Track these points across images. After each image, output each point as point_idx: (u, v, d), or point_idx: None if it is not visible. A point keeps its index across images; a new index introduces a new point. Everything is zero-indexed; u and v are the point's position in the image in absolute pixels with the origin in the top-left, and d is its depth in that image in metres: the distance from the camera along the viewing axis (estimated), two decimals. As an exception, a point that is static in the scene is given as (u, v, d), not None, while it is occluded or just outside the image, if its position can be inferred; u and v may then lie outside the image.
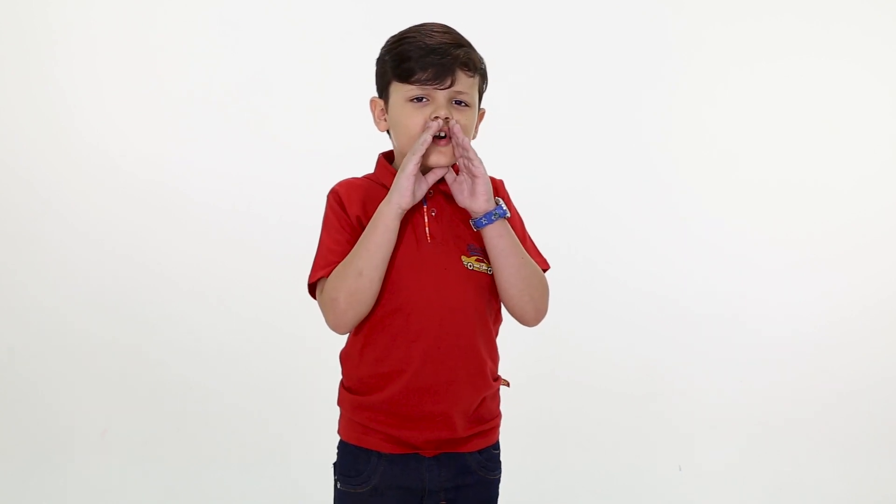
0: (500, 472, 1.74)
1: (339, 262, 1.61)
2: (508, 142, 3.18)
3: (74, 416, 3.17)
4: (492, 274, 1.67)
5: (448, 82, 1.60)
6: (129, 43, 3.23)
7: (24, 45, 3.21)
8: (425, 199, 1.65)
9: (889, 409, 3.27)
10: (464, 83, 1.62)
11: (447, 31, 1.65)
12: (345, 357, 1.72)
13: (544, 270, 1.75)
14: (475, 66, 1.65)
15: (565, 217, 3.22)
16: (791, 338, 3.29)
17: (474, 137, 1.70)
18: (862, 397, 3.27)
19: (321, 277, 1.63)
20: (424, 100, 1.62)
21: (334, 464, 1.72)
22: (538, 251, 1.77)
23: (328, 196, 1.69)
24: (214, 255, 3.24)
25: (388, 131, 1.72)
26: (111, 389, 3.19)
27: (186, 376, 3.21)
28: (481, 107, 1.71)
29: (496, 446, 1.74)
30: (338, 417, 1.73)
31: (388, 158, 1.73)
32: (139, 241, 3.23)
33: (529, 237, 1.77)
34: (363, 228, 1.61)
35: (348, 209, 1.65)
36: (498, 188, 1.73)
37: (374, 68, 1.72)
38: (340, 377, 1.73)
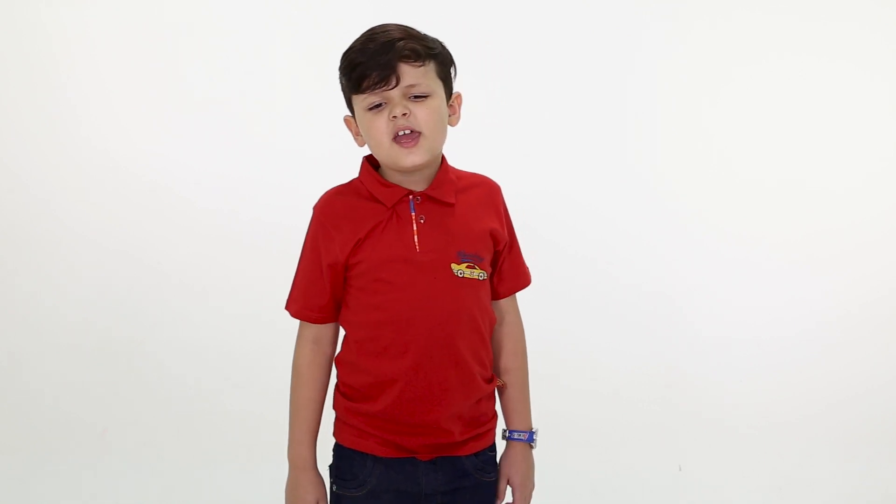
0: (496, 475, 1.74)
1: (309, 304, 1.68)
2: (506, 142, 3.18)
3: (74, 416, 3.17)
4: (484, 280, 1.67)
5: (393, 81, 1.56)
6: (129, 45, 3.23)
7: (26, 48, 3.22)
8: (413, 206, 1.63)
9: (889, 410, 3.26)
10: (412, 75, 1.56)
11: (389, 28, 1.60)
12: (340, 363, 1.71)
13: (526, 286, 1.78)
14: (421, 55, 1.57)
15: (565, 218, 3.22)
16: (791, 338, 3.29)
17: (455, 123, 1.67)
18: (862, 398, 3.26)
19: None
20: (382, 104, 1.58)
21: (330, 466, 1.72)
22: (523, 263, 1.78)
23: (312, 217, 1.67)
24: (215, 255, 3.24)
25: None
26: (111, 389, 3.19)
27: (186, 376, 3.21)
28: (455, 91, 1.66)
29: (492, 448, 1.74)
30: (333, 420, 1.72)
31: (372, 161, 1.69)
32: (139, 241, 3.24)
33: (517, 245, 1.76)
34: (335, 272, 1.64)
35: (325, 245, 1.64)
36: (495, 194, 1.72)
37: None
38: (336, 381, 1.73)
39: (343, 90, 1.66)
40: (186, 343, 3.22)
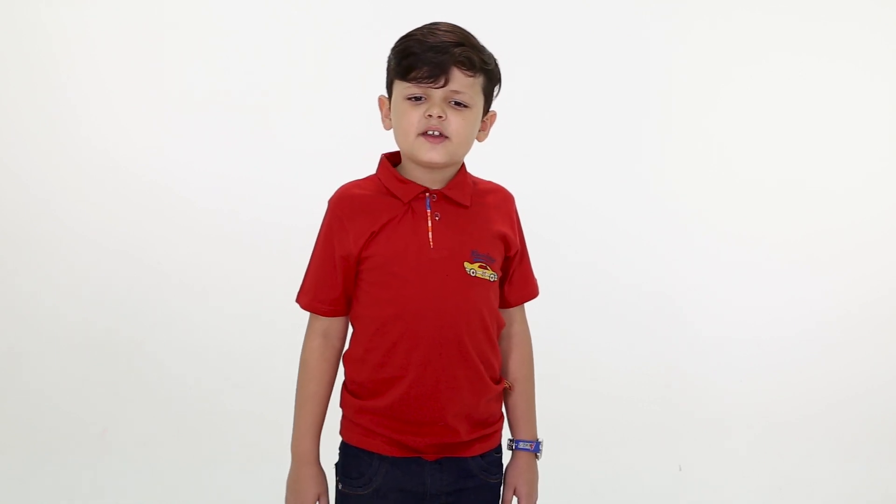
0: (501, 476, 1.74)
1: (321, 296, 1.67)
2: (506, 143, 3.18)
3: (74, 416, 3.16)
4: (494, 281, 1.67)
5: (442, 81, 1.57)
6: (129, 45, 3.23)
7: (26, 48, 3.21)
8: (429, 203, 1.64)
9: (889, 410, 3.27)
10: (461, 82, 1.59)
11: (452, 29, 1.62)
12: (347, 360, 1.71)
13: (533, 297, 1.78)
14: (475, 66, 1.60)
15: (565, 218, 3.22)
16: (791, 338, 3.29)
17: (482, 140, 1.69)
18: (862, 398, 3.27)
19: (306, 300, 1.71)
20: (422, 98, 1.59)
21: (336, 465, 1.72)
22: (532, 275, 1.78)
23: (327, 209, 1.68)
24: (215, 255, 3.24)
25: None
26: (111, 389, 3.19)
27: (186, 376, 3.21)
28: (491, 109, 1.68)
29: (498, 450, 1.74)
30: (339, 418, 1.73)
31: (390, 159, 1.71)
32: (139, 241, 3.23)
33: (528, 257, 1.78)
34: (348, 265, 1.64)
35: (339, 237, 1.64)
36: (509, 203, 1.74)
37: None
38: (343, 379, 1.73)
39: (388, 71, 1.66)
40: (186, 343, 3.21)
